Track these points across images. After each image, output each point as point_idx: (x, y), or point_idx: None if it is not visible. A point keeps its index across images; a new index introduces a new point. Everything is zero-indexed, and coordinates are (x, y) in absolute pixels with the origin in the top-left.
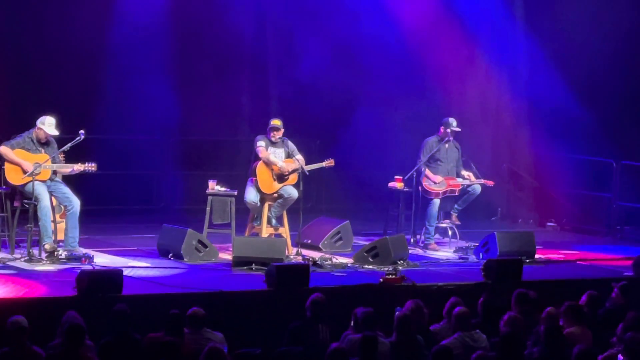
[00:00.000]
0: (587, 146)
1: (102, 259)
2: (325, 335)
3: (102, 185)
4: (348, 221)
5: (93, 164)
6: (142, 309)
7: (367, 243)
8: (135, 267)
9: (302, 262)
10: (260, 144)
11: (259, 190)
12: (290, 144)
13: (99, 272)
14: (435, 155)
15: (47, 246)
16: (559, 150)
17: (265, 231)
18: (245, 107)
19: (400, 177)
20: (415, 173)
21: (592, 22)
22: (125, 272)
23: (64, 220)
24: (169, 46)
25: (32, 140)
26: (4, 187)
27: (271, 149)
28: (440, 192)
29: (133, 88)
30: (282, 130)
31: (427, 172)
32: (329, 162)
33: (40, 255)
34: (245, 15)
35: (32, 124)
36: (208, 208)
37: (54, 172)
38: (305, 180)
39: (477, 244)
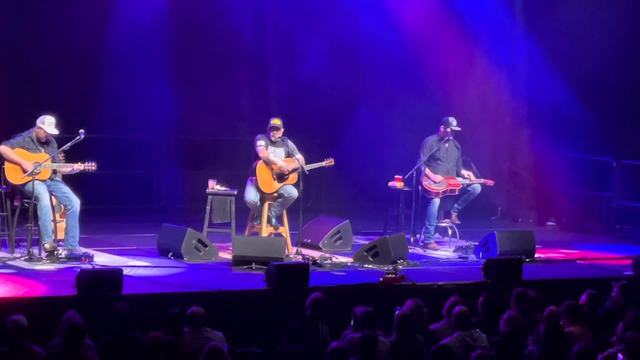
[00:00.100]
0: (587, 145)
1: (102, 258)
2: (325, 335)
3: (102, 184)
4: (348, 220)
5: (93, 164)
6: (142, 308)
7: (367, 242)
8: (135, 266)
9: (302, 261)
10: (260, 143)
11: (258, 190)
12: (290, 143)
13: (99, 272)
14: (435, 154)
15: (47, 245)
16: (559, 149)
17: (265, 230)
18: (245, 106)
19: (400, 177)
20: (415, 172)
21: (592, 22)
22: (125, 272)
23: (64, 219)
24: (169, 45)
25: (32, 140)
26: (4, 186)
27: (271, 149)
28: (440, 191)
29: (133, 87)
30: (282, 130)
31: (427, 171)
32: (328, 162)
33: (40, 254)
34: (245, 15)
35: (32, 124)
36: (208, 207)
37: (54, 172)
38: (305, 180)
39: (477, 243)
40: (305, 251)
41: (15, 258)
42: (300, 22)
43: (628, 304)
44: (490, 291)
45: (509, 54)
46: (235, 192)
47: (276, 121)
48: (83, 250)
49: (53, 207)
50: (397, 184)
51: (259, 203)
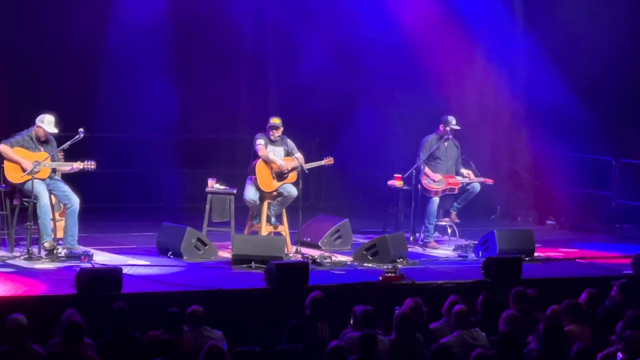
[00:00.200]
0: (586, 144)
1: (102, 257)
2: (324, 333)
3: (102, 183)
4: (347, 219)
5: (92, 162)
6: (141, 307)
7: (366, 241)
8: (134, 265)
9: (302, 260)
10: (260, 142)
11: (258, 189)
12: (289, 142)
13: (99, 270)
14: (434, 153)
15: (46, 244)
16: (558, 148)
17: (265, 229)
18: (244, 105)
19: (400, 175)
20: (414, 171)
21: (592, 22)
22: (125, 270)
23: (64, 218)
24: (169, 44)
25: (32, 139)
26: (4, 185)
27: (270, 147)
28: (440, 190)
29: (133, 86)
30: (282, 129)
31: (427, 170)
32: (328, 161)
33: (39, 253)
34: (245, 15)
35: (31, 122)
36: (207, 206)
37: (54, 170)
38: (305, 179)
39: (477, 242)
40: (304, 250)
41: (15, 257)
42: (300, 22)
43: (627, 303)
44: (490, 290)
45: (508, 54)
46: (235, 191)
47: (275, 120)
48: (82, 248)
49: (52, 206)
50: (397, 182)
51: (258, 202)
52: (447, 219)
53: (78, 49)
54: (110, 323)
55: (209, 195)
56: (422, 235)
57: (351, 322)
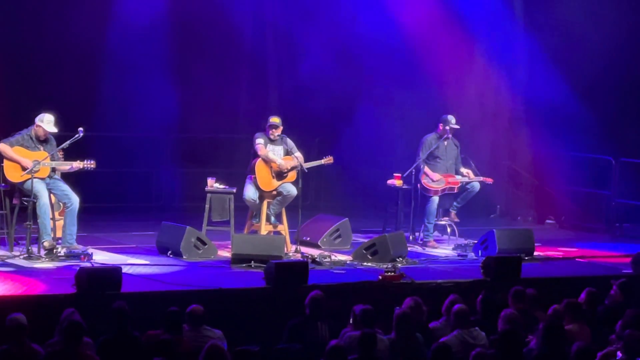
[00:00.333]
0: (586, 144)
1: (101, 257)
2: (324, 333)
3: (101, 182)
4: (347, 219)
5: (92, 162)
6: (141, 306)
7: (366, 240)
8: (134, 264)
9: (301, 259)
10: (259, 141)
11: (258, 188)
12: (289, 141)
13: (98, 270)
14: (434, 152)
15: (46, 244)
16: (558, 147)
17: (264, 228)
18: (244, 104)
19: (399, 175)
20: (414, 170)
21: (592, 22)
22: (124, 270)
23: (63, 217)
24: (168, 44)
25: (31, 138)
26: (3, 184)
27: (270, 147)
28: (439, 189)
29: (132, 86)
30: (281, 128)
31: (426, 169)
32: (327, 160)
33: (39, 252)
34: (245, 15)
35: (31, 122)
36: (207, 205)
37: (53, 170)
38: (304, 178)
39: (476, 242)
40: (304, 249)
41: (15, 256)
42: (300, 22)
43: (627, 302)
44: (490, 289)
45: (508, 53)
46: (234, 190)
47: (275, 119)
48: (80, 247)
49: (52, 205)
50: (396, 182)
51: (258, 201)
52: (446, 218)
53: (78, 49)
54: (109, 322)
55: (208, 195)
56: (421, 234)
57: (351, 321)
